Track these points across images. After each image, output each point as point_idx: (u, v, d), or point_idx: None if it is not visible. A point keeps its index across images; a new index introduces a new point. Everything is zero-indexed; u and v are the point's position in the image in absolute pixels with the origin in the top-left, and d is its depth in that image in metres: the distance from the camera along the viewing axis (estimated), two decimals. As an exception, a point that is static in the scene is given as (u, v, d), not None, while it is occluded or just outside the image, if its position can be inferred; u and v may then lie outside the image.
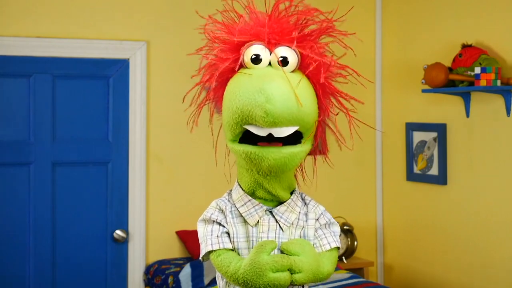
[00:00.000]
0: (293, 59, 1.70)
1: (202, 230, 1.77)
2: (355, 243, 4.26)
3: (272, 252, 1.68)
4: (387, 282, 4.45)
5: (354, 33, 1.76)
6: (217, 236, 1.74)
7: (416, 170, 4.18)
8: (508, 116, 3.55)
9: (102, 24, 3.91)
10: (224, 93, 1.73)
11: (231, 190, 1.83)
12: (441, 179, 3.96)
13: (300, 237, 1.77)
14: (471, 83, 3.60)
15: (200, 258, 1.78)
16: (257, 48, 1.70)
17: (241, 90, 1.65)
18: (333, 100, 1.77)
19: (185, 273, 3.64)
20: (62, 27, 3.83)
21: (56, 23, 3.82)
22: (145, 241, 4.00)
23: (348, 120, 1.76)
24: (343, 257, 4.23)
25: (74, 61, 3.86)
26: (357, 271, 4.26)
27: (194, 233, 3.77)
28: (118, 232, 3.93)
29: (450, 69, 3.72)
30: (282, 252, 1.70)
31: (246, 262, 1.65)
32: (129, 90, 3.96)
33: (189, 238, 3.96)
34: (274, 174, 1.71)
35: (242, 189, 1.78)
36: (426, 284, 4.14)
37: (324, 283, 3.52)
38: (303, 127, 1.67)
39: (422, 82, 3.79)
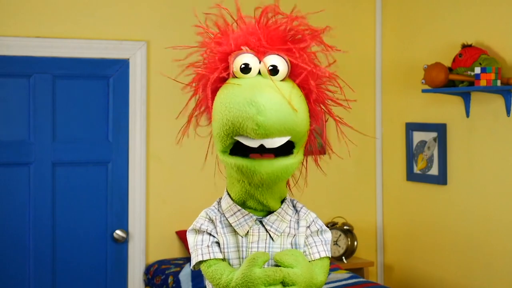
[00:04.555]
0: (283, 67, 1.66)
1: (193, 240, 1.76)
2: (355, 243, 4.26)
3: (266, 264, 1.67)
4: (387, 282, 4.45)
5: (340, 50, 1.71)
6: (208, 246, 1.73)
7: (416, 170, 4.18)
8: (508, 116, 3.55)
9: (102, 24, 3.91)
10: (214, 104, 1.69)
11: (220, 199, 1.81)
12: (441, 179, 3.96)
13: (291, 245, 1.75)
14: (471, 83, 3.60)
15: (191, 267, 1.77)
16: (246, 57, 1.66)
17: (231, 102, 1.60)
18: (323, 107, 1.75)
19: (185, 273, 3.64)
20: (62, 27, 3.83)
21: (56, 23, 3.82)
22: (145, 241, 4.00)
23: (337, 126, 1.75)
24: (343, 257, 4.23)
25: (74, 61, 3.86)
26: (357, 271, 4.26)
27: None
28: (118, 232, 3.93)
29: (450, 69, 3.72)
30: (275, 263, 1.67)
31: (238, 275, 1.63)
32: (129, 90, 3.96)
33: (189, 238, 3.95)
34: (266, 186, 1.69)
35: (231, 198, 1.76)
36: (426, 284, 4.14)
37: (326, 282, 3.52)
38: (296, 137, 1.64)
39: (422, 82, 3.79)
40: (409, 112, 4.25)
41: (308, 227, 1.78)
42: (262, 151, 1.62)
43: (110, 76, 3.94)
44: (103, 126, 3.94)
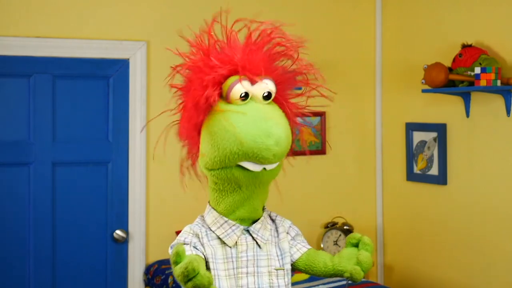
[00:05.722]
0: (274, 90, 1.76)
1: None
2: (355, 243, 4.25)
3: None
4: (387, 282, 4.45)
5: (321, 85, 1.83)
6: (190, 250, 1.81)
7: (416, 170, 4.18)
8: (508, 116, 3.55)
9: (102, 24, 3.91)
10: (209, 129, 1.76)
11: (203, 215, 1.89)
12: (441, 179, 3.96)
13: (277, 252, 1.84)
14: (471, 83, 3.60)
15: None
16: (245, 85, 1.73)
17: (243, 132, 1.67)
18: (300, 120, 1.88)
19: (185, 273, 3.64)
20: (62, 27, 3.83)
21: (56, 23, 3.82)
22: (145, 241, 4.00)
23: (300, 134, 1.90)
24: (343, 257, 4.23)
25: (74, 61, 3.86)
26: (357, 271, 4.26)
27: (194, 233, 3.77)
28: (118, 232, 3.93)
29: (450, 69, 3.72)
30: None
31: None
32: (129, 90, 3.96)
33: (189, 238, 3.96)
34: (263, 185, 1.79)
35: (217, 211, 1.83)
36: (426, 284, 4.14)
37: (324, 283, 3.53)
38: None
39: (422, 82, 3.79)
40: (409, 112, 4.25)
41: (287, 233, 1.90)
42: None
43: (110, 76, 3.94)
44: (103, 126, 3.94)
